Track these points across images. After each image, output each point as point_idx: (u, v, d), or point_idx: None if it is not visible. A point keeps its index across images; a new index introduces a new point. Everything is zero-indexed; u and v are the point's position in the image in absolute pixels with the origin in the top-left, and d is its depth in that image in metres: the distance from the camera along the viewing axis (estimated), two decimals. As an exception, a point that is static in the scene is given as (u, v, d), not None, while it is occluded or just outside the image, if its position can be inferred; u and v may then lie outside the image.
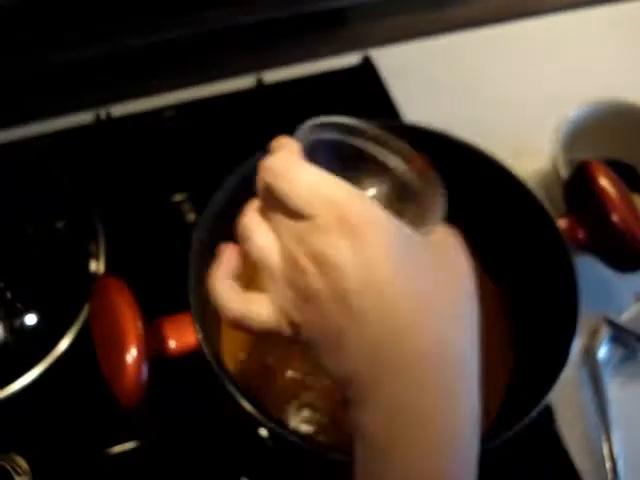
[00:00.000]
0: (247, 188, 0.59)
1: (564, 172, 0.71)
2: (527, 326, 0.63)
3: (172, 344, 0.53)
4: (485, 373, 0.61)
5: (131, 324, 0.51)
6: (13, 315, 0.66)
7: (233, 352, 0.62)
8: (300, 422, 0.59)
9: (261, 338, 0.62)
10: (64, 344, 0.63)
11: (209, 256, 0.55)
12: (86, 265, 0.67)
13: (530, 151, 0.80)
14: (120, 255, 0.67)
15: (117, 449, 0.61)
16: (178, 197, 0.75)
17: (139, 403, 0.52)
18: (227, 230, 0.46)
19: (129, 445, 0.61)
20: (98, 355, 0.53)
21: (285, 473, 0.63)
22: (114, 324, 0.51)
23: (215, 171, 0.59)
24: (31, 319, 0.66)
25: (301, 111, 0.59)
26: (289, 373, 0.61)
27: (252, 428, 0.58)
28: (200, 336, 0.52)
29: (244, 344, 0.62)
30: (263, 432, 0.58)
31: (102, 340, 0.53)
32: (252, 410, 0.49)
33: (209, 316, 0.58)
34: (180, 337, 0.53)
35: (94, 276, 0.66)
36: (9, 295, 0.67)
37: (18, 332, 0.66)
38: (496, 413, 0.60)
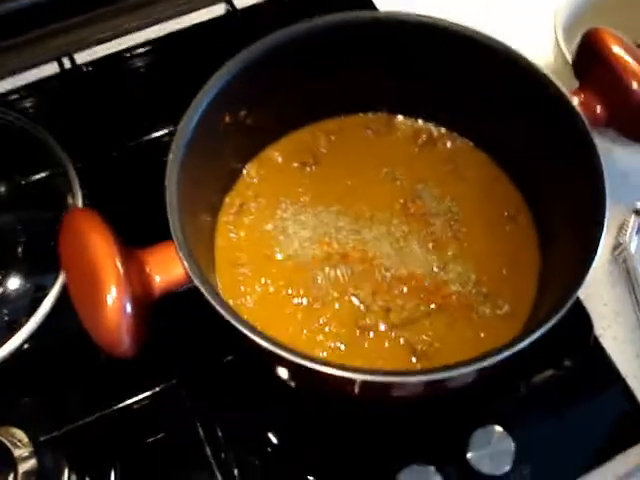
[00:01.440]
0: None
1: (569, 55, 0.65)
2: (553, 224, 0.57)
3: (157, 279, 0.47)
4: (513, 276, 0.57)
5: (107, 259, 0.45)
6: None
7: (232, 288, 0.56)
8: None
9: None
10: (47, 303, 0.57)
11: (187, 176, 0.51)
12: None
13: (529, 43, 0.73)
14: (100, 198, 0.62)
15: (118, 405, 0.56)
16: (158, 133, 0.69)
17: (132, 351, 0.46)
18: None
19: (131, 399, 0.56)
20: (74, 301, 0.48)
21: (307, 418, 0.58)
22: (88, 261, 0.45)
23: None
24: (13, 283, 0.61)
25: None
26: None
27: (267, 369, 0.53)
28: (186, 264, 0.46)
29: (245, 279, 0.57)
30: (282, 372, 0.53)
31: (77, 283, 0.48)
32: (266, 343, 0.44)
33: (200, 248, 0.53)
34: (165, 269, 0.47)
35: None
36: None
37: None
38: (527, 317, 0.55)
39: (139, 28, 0.78)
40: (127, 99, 0.74)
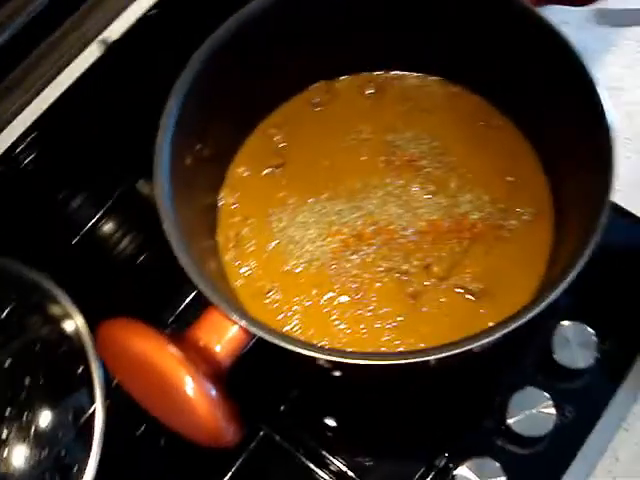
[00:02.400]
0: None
1: None
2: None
3: (217, 349, 0.44)
4: (520, 179, 0.56)
5: (162, 353, 0.41)
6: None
7: (271, 320, 0.53)
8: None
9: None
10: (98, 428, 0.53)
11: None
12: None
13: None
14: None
15: None
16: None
17: (238, 434, 0.43)
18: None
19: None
20: (152, 412, 0.44)
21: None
22: (144, 367, 0.41)
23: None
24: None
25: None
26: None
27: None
28: (242, 322, 0.43)
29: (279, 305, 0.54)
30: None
31: (144, 393, 0.44)
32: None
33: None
34: (220, 337, 0.44)
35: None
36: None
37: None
38: (552, 210, 0.55)
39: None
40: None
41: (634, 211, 0.59)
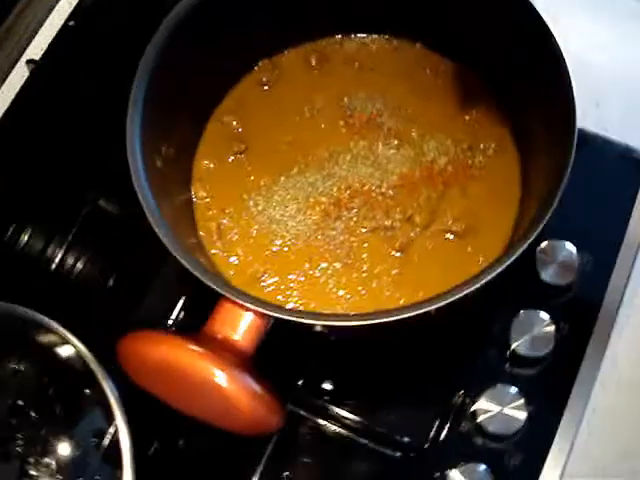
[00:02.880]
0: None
1: None
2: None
3: (236, 339, 0.44)
4: (478, 116, 0.58)
5: (186, 353, 0.42)
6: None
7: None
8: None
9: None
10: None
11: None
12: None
13: None
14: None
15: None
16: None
17: (281, 417, 0.45)
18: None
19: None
20: (192, 414, 0.44)
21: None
22: (172, 371, 0.42)
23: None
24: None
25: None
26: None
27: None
28: (256, 307, 0.43)
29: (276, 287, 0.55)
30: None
31: (179, 397, 0.44)
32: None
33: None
34: (235, 327, 0.44)
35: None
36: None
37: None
38: (515, 143, 0.57)
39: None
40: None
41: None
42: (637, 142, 0.63)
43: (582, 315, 0.58)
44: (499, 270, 0.44)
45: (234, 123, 0.60)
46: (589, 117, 0.61)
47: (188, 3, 0.52)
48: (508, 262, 0.44)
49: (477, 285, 0.43)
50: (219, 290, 0.44)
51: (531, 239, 0.44)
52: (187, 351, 0.41)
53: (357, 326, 0.43)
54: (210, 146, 0.59)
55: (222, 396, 0.41)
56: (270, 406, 0.42)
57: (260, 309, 0.44)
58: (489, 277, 0.43)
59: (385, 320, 0.43)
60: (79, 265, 0.64)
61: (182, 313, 0.60)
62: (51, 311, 0.57)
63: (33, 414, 0.57)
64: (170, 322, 0.58)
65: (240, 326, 0.44)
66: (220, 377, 0.41)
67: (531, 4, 0.50)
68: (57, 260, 0.63)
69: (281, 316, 0.44)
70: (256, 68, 0.61)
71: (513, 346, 0.56)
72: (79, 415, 0.56)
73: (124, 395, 0.53)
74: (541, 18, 0.49)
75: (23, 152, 0.68)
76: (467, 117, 0.58)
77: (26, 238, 0.66)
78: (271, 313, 0.44)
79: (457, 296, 0.43)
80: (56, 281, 0.63)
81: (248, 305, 0.43)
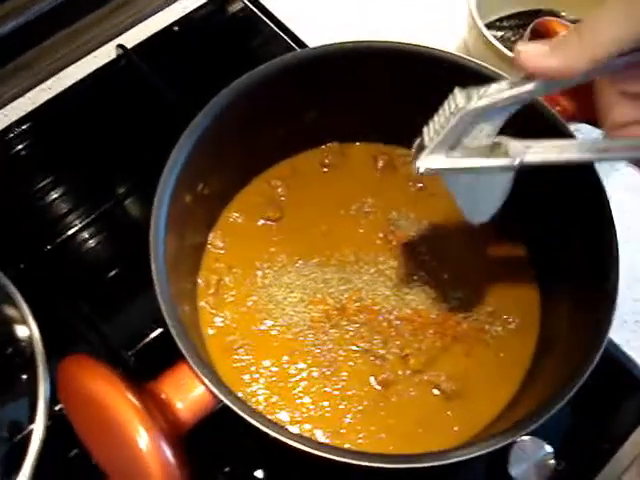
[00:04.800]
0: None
1: (492, 38, 0.65)
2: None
3: (179, 406, 0.41)
4: (513, 286, 0.55)
5: (119, 399, 0.39)
6: None
7: (234, 378, 0.51)
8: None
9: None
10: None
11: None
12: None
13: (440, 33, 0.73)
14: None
15: None
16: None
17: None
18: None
19: None
20: (98, 460, 0.41)
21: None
22: (98, 410, 0.39)
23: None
24: None
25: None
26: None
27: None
28: (207, 380, 0.41)
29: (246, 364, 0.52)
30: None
31: (93, 436, 0.41)
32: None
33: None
34: (183, 393, 0.41)
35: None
36: None
37: None
38: (538, 326, 0.54)
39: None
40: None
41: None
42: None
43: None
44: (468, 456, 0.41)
45: (279, 190, 0.58)
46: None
47: (282, 62, 0.51)
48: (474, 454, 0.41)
49: (443, 462, 0.40)
50: (185, 354, 0.41)
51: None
52: (121, 397, 0.39)
53: (301, 451, 0.40)
54: (246, 202, 0.57)
55: (136, 459, 0.38)
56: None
57: (215, 391, 0.41)
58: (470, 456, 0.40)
59: (332, 458, 0.40)
60: (91, 243, 0.63)
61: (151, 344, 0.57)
62: (28, 287, 0.55)
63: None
64: (132, 352, 0.56)
65: (188, 397, 0.41)
66: (143, 439, 0.38)
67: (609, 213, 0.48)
68: (74, 230, 0.63)
69: (234, 408, 0.41)
70: (324, 147, 0.60)
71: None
72: (3, 398, 0.54)
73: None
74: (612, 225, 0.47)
75: (80, 125, 0.68)
76: (502, 284, 0.56)
77: (55, 196, 0.65)
78: (226, 401, 0.41)
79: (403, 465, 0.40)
80: (62, 250, 0.62)
81: (206, 382, 0.41)
